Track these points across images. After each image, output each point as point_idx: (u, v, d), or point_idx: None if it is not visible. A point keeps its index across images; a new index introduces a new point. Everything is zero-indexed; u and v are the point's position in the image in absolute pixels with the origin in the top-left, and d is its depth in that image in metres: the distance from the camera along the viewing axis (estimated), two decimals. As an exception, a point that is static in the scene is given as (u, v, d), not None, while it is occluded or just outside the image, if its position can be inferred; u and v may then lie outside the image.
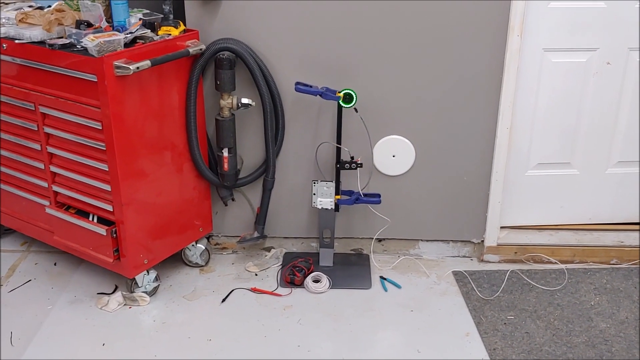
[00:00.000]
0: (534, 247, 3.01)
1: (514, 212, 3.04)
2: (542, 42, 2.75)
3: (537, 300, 2.76)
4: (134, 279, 2.68)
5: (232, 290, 2.80)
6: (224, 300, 2.75)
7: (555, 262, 2.99)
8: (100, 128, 2.41)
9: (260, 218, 2.91)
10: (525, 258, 3.01)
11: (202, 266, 2.96)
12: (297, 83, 2.65)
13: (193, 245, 2.92)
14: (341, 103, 2.66)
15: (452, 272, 2.94)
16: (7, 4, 2.73)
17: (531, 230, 3.07)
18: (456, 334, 2.57)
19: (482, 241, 3.01)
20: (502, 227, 3.03)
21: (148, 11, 2.65)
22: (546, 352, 2.47)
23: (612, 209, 3.07)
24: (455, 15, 2.64)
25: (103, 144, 2.44)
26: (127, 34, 2.42)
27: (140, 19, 2.54)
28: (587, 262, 3.01)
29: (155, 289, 2.76)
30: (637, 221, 3.09)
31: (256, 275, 2.92)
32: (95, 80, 2.33)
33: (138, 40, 2.46)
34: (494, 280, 2.88)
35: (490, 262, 3.02)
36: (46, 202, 2.75)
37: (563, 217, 3.08)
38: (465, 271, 2.94)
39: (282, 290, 2.80)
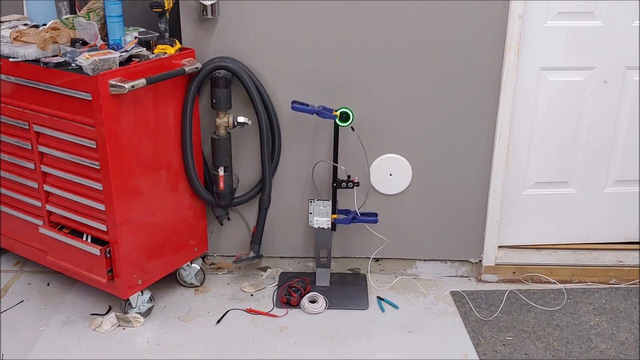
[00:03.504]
0: (532, 266, 2.98)
1: (512, 231, 3.02)
2: (539, 61, 2.75)
3: (536, 321, 2.73)
4: (128, 299, 2.64)
5: (228, 311, 2.77)
6: (219, 321, 2.71)
7: (554, 282, 2.97)
8: (95, 147, 2.39)
9: (256, 237, 2.88)
10: (523, 278, 2.98)
11: (197, 286, 2.93)
12: (294, 102, 2.64)
13: (188, 265, 2.89)
14: (338, 122, 2.65)
15: (450, 292, 2.91)
16: (2, 22, 2.72)
17: (529, 249, 3.05)
18: (455, 355, 2.53)
19: (480, 261, 2.99)
20: (500, 247, 3.01)
21: (144, 29, 2.64)
22: (546, 374, 2.44)
23: (611, 228, 3.06)
24: (452, 35, 2.64)
25: (97, 163, 2.42)
26: (123, 52, 2.41)
27: (135, 37, 2.53)
28: (586, 282, 2.99)
29: (150, 309, 2.73)
30: (636, 240, 3.07)
31: (252, 295, 2.88)
32: (90, 98, 2.32)
33: (133, 59, 2.45)
34: (493, 301, 2.85)
35: (488, 282, 2.99)
36: (40, 222, 2.72)
37: (561, 236, 3.06)
38: (463, 291, 2.91)
39: (278, 311, 2.77)
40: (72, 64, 2.38)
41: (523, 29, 2.64)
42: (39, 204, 2.69)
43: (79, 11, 2.67)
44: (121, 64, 2.38)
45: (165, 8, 2.49)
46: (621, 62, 2.78)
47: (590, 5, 2.69)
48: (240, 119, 2.68)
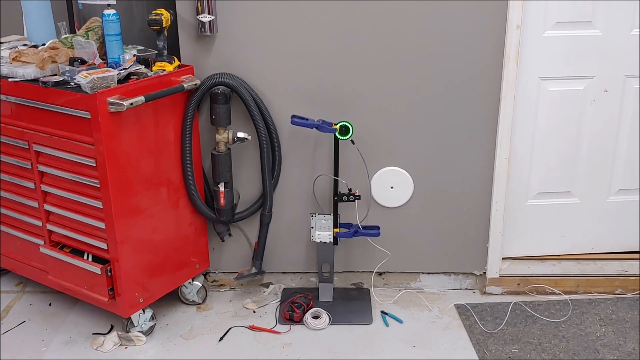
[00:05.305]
0: (536, 278, 2.96)
1: (515, 242, 3.00)
2: (538, 71, 2.74)
3: (542, 333, 2.70)
4: (130, 318, 2.63)
5: (230, 328, 2.74)
6: (221, 338, 2.69)
7: (559, 293, 2.94)
8: (94, 165, 2.39)
9: (258, 253, 2.87)
10: (528, 289, 2.96)
11: (199, 304, 2.91)
12: (293, 116, 2.64)
13: (190, 282, 2.87)
14: (337, 135, 2.65)
15: (455, 305, 2.89)
16: (1, 43, 2.73)
17: (533, 260, 3.03)
18: (460, 369, 2.51)
19: (484, 273, 2.97)
20: (504, 258, 2.99)
21: (142, 47, 2.64)
22: (553, 387, 2.42)
23: (615, 237, 3.03)
24: (451, 46, 2.64)
25: (97, 181, 2.41)
26: (121, 70, 2.41)
27: (134, 55, 2.54)
28: (591, 293, 2.96)
29: (152, 328, 2.71)
30: (641, 249, 3.05)
31: (254, 312, 2.86)
32: (89, 117, 2.32)
33: (132, 76, 2.45)
34: (497, 313, 2.83)
35: (492, 294, 2.97)
36: (40, 241, 2.71)
37: (565, 246, 3.04)
38: (467, 304, 2.88)
39: (280, 327, 2.75)
40: (71, 83, 2.38)
41: (521, 39, 2.63)
42: (39, 223, 2.68)
43: (78, 30, 2.68)
44: (120, 81, 2.38)
45: (164, 25, 2.49)
46: (621, 71, 2.77)
47: (588, 15, 2.68)
48: (240, 135, 2.68)
